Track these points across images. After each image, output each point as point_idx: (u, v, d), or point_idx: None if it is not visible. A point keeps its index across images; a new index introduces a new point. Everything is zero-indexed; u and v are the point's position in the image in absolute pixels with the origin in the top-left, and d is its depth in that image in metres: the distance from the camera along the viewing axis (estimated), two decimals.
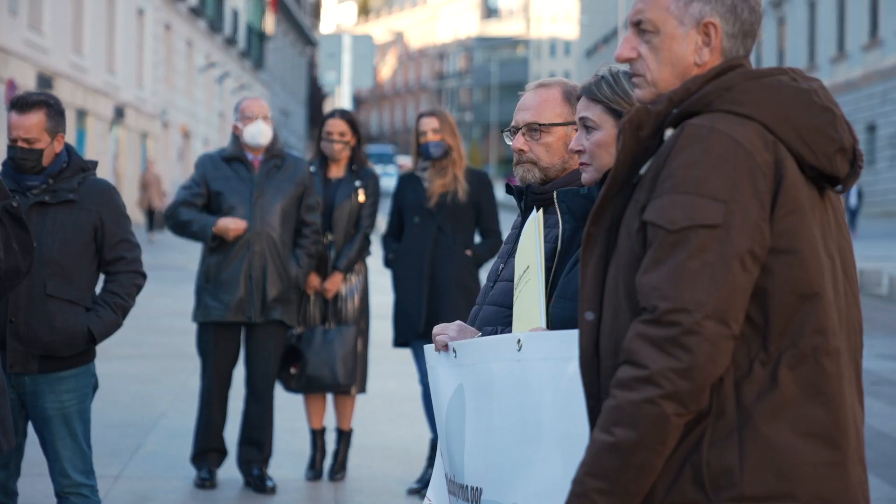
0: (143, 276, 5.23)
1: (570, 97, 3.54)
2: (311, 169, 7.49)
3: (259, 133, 7.09)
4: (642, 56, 2.53)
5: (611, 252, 2.48)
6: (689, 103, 2.42)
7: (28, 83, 26.56)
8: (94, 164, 5.26)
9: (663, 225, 2.33)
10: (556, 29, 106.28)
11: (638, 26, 2.53)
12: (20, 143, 5.03)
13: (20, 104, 5.03)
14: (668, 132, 2.43)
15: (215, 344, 7.09)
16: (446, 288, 7.21)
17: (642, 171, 2.45)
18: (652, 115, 2.44)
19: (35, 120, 5.01)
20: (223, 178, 7.10)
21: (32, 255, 4.43)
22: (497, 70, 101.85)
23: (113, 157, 35.18)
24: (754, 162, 2.34)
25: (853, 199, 36.14)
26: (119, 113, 34.57)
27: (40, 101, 5.04)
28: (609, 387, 2.38)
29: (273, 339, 7.14)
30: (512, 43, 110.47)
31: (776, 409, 2.32)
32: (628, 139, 2.45)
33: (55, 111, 5.07)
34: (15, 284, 4.49)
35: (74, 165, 5.12)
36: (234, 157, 7.14)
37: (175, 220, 7.11)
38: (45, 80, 27.68)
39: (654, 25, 2.51)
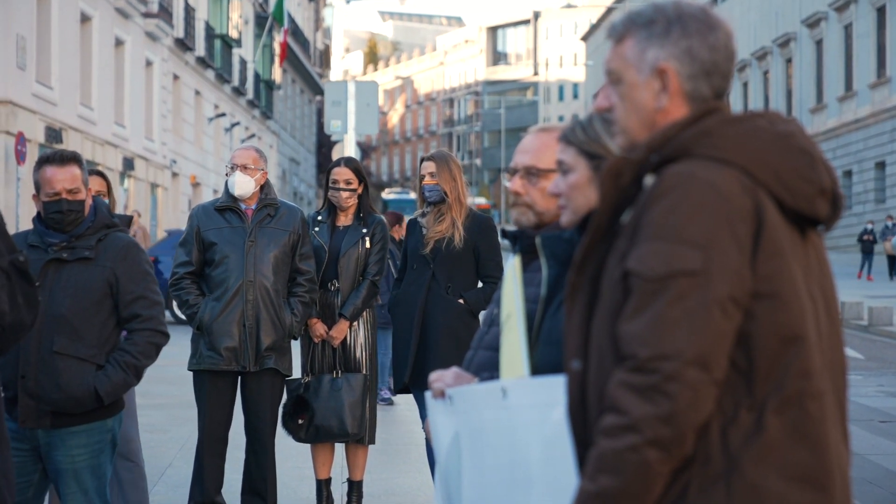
0: (163, 333, 5.19)
1: None
2: (319, 218, 7.51)
3: (234, 184, 7.07)
4: (615, 105, 2.56)
5: (595, 301, 2.48)
6: (668, 150, 2.42)
7: (37, 136, 26.67)
8: (127, 219, 5.25)
9: (643, 273, 2.33)
10: (563, 73, 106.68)
11: (609, 76, 2.56)
12: (65, 196, 5.04)
13: (58, 158, 5.06)
14: (649, 179, 2.43)
15: (209, 392, 7.05)
16: (435, 337, 7.11)
17: (625, 218, 2.45)
18: (630, 164, 2.45)
19: (76, 171, 5.07)
20: (216, 228, 7.09)
21: (37, 309, 4.42)
22: (506, 114, 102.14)
23: (123, 208, 35.22)
24: (733, 207, 2.33)
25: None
26: (128, 164, 34.68)
27: (73, 155, 5.10)
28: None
29: (269, 388, 7.08)
30: (520, 87, 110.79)
31: (762, 453, 2.32)
32: (608, 188, 2.46)
33: (84, 166, 5.15)
34: (19, 338, 4.48)
35: (98, 223, 5.12)
36: (226, 206, 7.13)
37: (176, 294, 7.08)
38: (54, 133, 27.77)
39: (618, 75, 2.54)
